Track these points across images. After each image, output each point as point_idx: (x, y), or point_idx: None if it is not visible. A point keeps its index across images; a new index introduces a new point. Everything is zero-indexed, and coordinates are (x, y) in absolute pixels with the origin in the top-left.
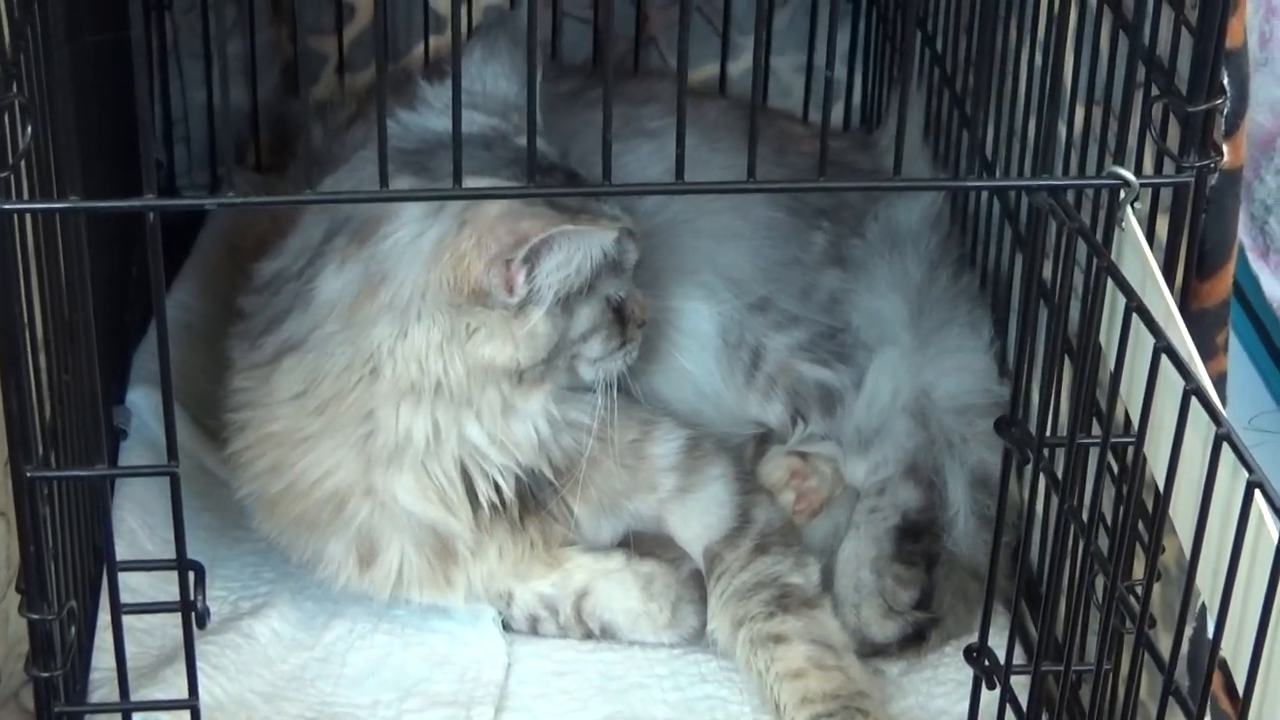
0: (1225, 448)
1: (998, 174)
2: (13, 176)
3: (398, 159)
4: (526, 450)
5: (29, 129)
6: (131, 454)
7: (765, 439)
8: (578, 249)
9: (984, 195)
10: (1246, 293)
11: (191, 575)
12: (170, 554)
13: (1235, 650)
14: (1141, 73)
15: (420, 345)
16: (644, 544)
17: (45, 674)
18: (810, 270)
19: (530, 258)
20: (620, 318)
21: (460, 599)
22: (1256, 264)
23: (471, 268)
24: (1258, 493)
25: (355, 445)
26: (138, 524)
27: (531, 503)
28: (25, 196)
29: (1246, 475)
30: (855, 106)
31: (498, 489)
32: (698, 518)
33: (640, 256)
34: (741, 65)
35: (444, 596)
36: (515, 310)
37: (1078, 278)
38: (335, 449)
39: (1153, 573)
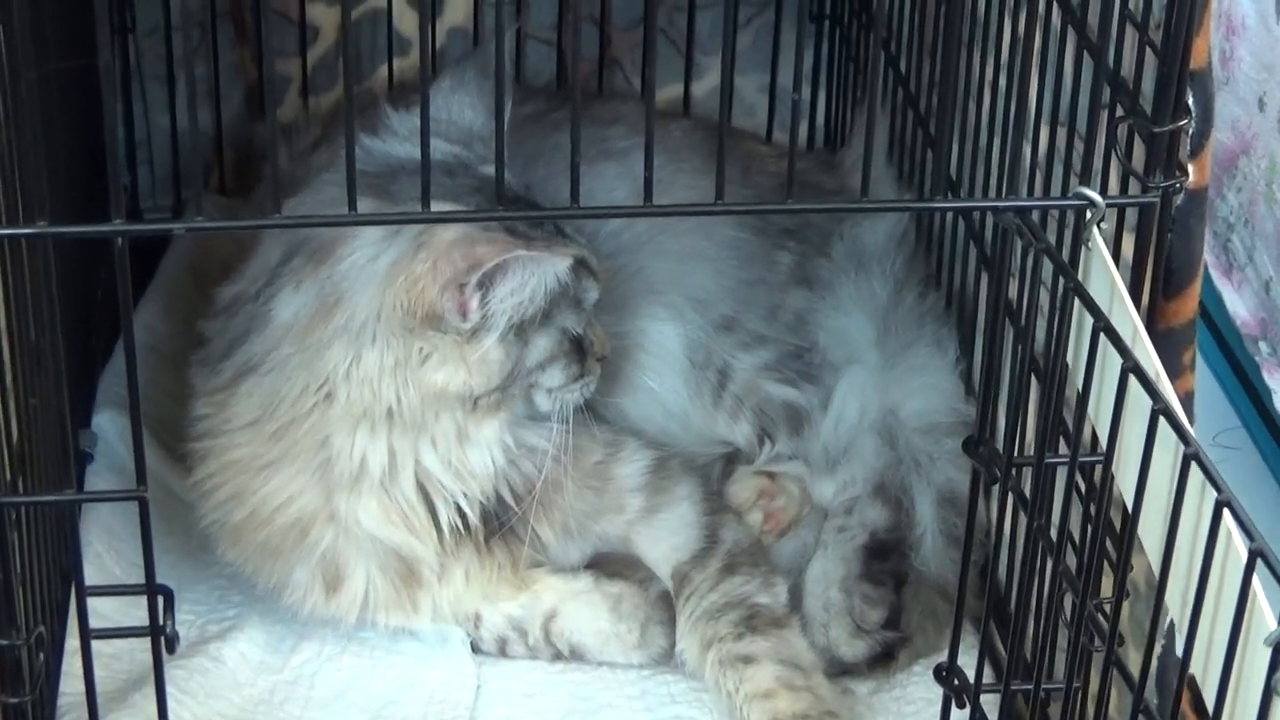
0: (1194, 467)
1: (963, 194)
2: None
3: (360, 182)
4: (483, 478)
5: None
6: (98, 478)
7: (732, 459)
8: (532, 275)
9: (949, 215)
10: (1210, 310)
11: (161, 600)
12: (137, 577)
13: (1204, 668)
14: (1106, 93)
15: (373, 370)
16: (612, 565)
17: (14, 700)
18: (776, 290)
19: (484, 283)
20: (579, 349)
21: (426, 622)
22: (1220, 281)
23: (426, 291)
24: (1226, 511)
25: (315, 471)
26: (104, 548)
27: (496, 526)
28: None
29: (1215, 494)
30: (819, 126)
31: (461, 513)
32: (665, 538)
33: (602, 294)
34: (705, 85)
35: (410, 620)
36: (468, 336)
37: (1043, 297)
38: (295, 475)
39: (1122, 591)
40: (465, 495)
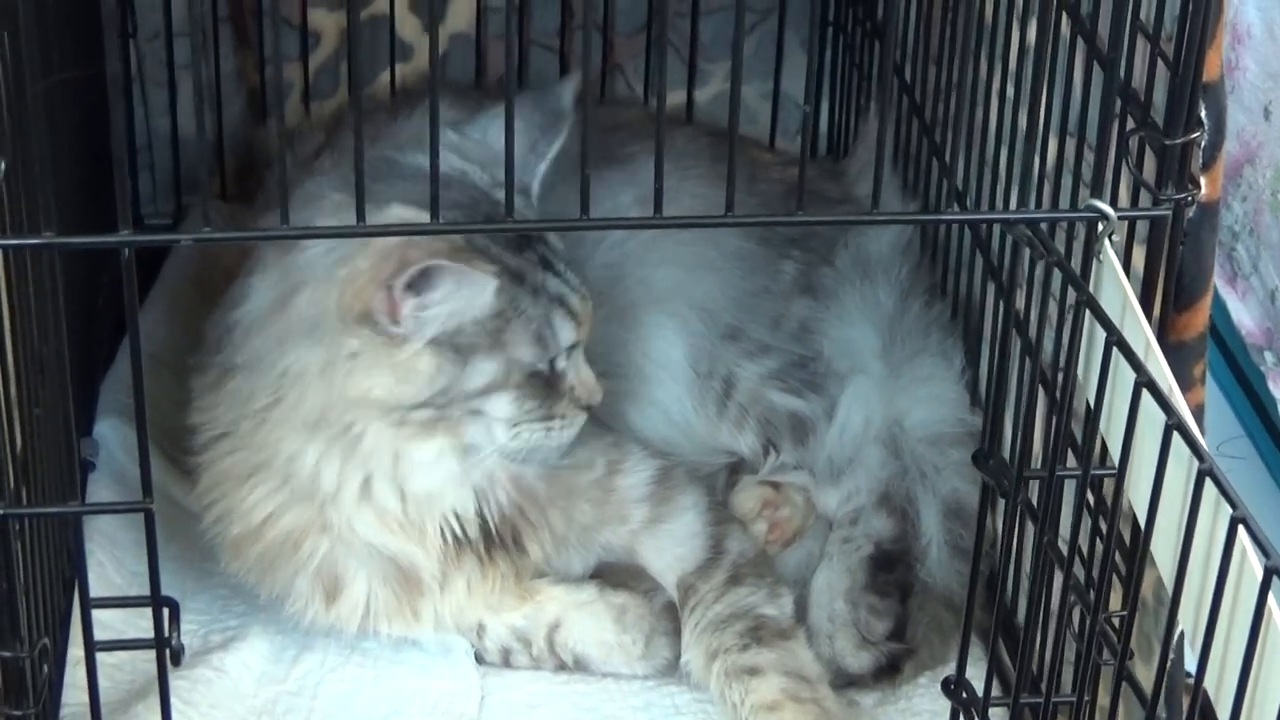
0: (1207, 482)
1: (969, 203)
2: None
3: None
4: (436, 504)
5: (2, 164)
6: (100, 487)
7: (737, 469)
8: (460, 287)
9: (955, 225)
10: (1214, 319)
11: (166, 612)
12: (139, 587)
13: (1218, 684)
14: (1117, 105)
15: (307, 367)
16: (617, 575)
17: (18, 712)
18: (781, 299)
19: (415, 286)
20: (548, 388)
21: (429, 631)
22: (1224, 291)
23: (362, 289)
24: (1241, 528)
25: (286, 481)
26: (106, 557)
27: (495, 538)
28: None
29: (1230, 510)
30: (823, 134)
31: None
32: (670, 549)
33: (583, 338)
34: (709, 92)
35: (412, 629)
36: (399, 340)
37: (1050, 309)
38: (277, 486)
39: (1134, 605)
40: (441, 513)
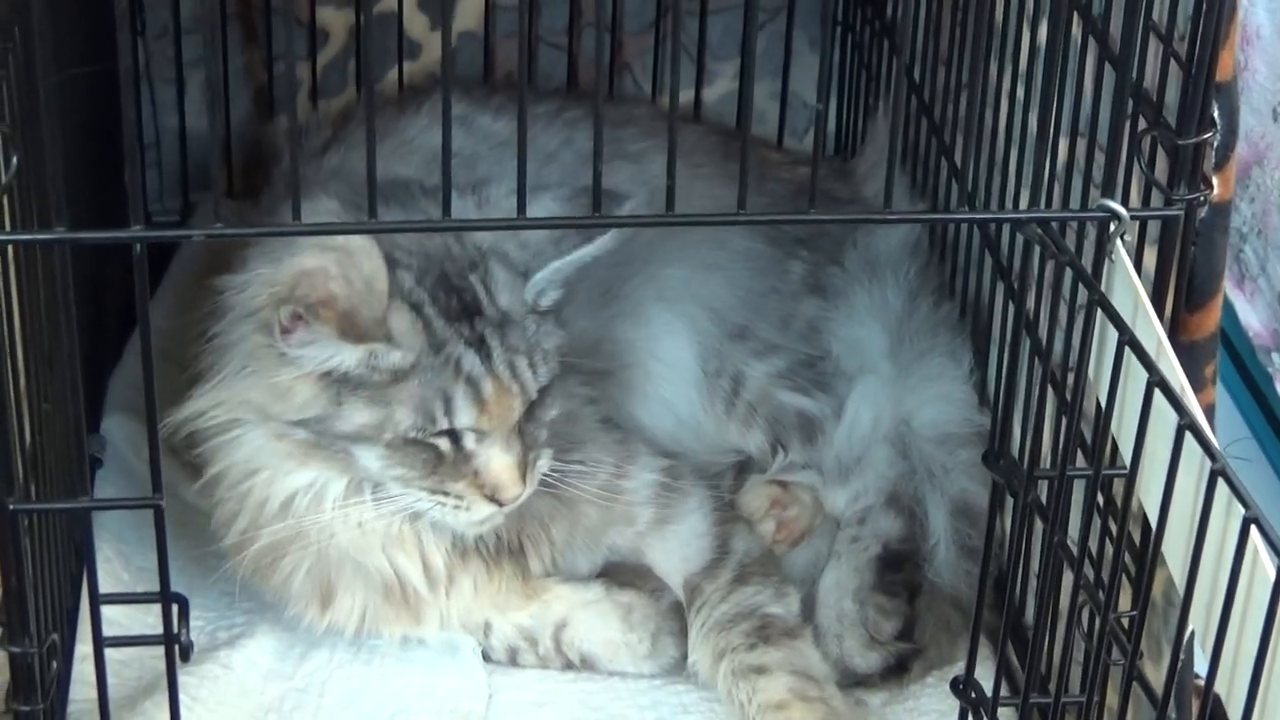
0: (1220, 482)
1: (979, 203)
2: None
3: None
4: (302, 520)
5: (14, 160)
6: (107, 483)
7: (744, 468)
8: (329, 345)
9: (964, 225)
10: (1221, 320)
11: (175, 608)
12: (146, 583)
13: (1229, 684)
14: (1129, 105)
15: (230, 362)
16: (623, 574)
17: (26, 708)
18: (789, 298)
19: (300, 317)
20: (442, 463)
21: (434, 631)
22: (1232, 291)
23: (272, 296)
24: (1254, 528)
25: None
26: (113, 553)
27: (499, 546)
28: (7, 227)
29: (1242, 511)
30: (830, 133)
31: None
32: (676, 550)
33: (494, 429)
34: (717, 91)
35: (416, 630)
36: (285, 361)
37: (1060, 308)
38: (239, 499)
39: (1145, 605)
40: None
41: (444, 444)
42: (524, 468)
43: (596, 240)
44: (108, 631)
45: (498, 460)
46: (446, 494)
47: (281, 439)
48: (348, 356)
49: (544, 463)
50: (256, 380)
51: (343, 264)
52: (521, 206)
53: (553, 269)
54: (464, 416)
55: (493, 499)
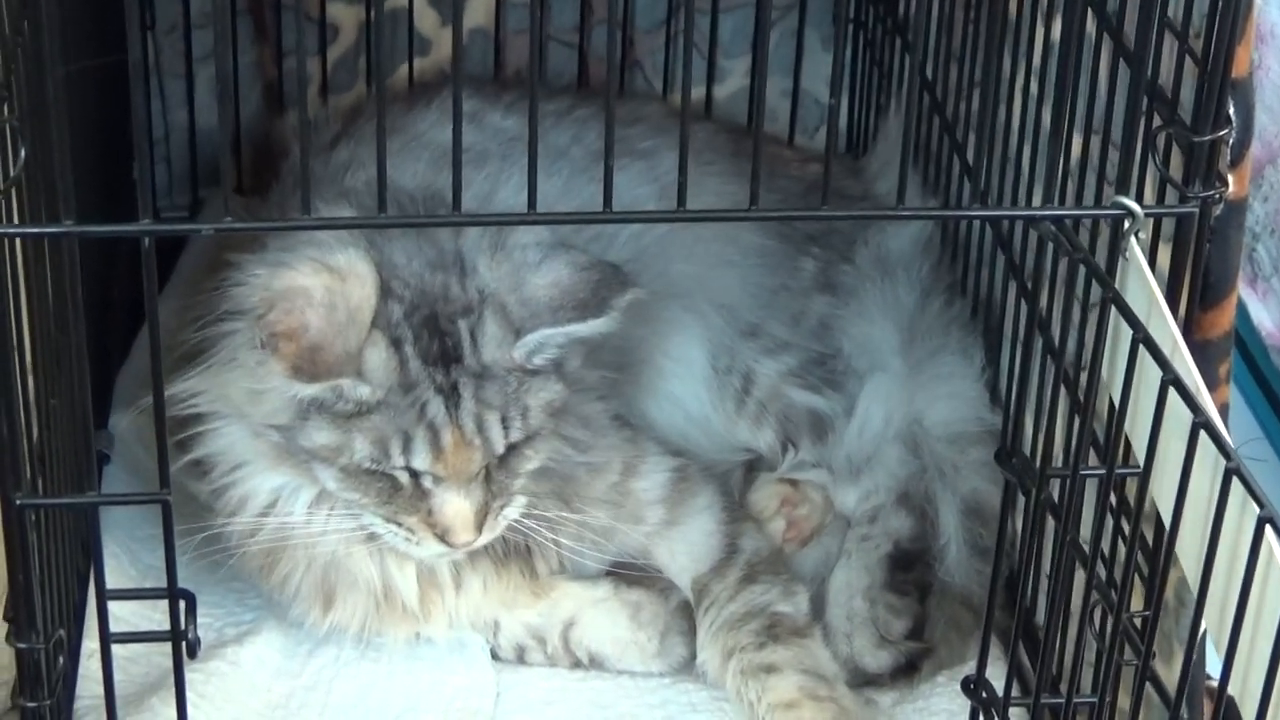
0: (1234, 481)
1: (992, 200)
2: (3, 200)
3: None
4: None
5: (22, 152)
6: (115, 479)
7: (754, 466)
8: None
9: (976, 222)
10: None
11: (182, 605)
12: (153, 579)
13: (1243, 684)
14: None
15: (224, 354)
16: (632, 572)
17: (33, 704)
18: (800, 296)
19: (263, 340)
20: (399, 494)
21: (441, 630)
22: (1244, 291)
23: (260, 302)
24: (1268, 528)
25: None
26: (120, 549)
27: (507, 550)
28: (16, 220)
29: (1257, 510)
30: (841, 131)
31: None
32: (685, 549)
33: (450, 476)
34: (728, 88)
35: (423, 628)
36: (262, 364)
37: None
38: (233, 488)
39: (1159, 605)
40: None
41: (404, 477)
42: (482, 515)
43: (589, 320)
44: (114, 628)
45: (452, 505)
46: (399, 524)
47: (258, 438)
48: (300, 390)
49: (511, 510)
50: (239, 377)
51: (331, 289)
52: (532, 203)
53: (543, 334)
54: (420, 459)
55: (443, 540)
